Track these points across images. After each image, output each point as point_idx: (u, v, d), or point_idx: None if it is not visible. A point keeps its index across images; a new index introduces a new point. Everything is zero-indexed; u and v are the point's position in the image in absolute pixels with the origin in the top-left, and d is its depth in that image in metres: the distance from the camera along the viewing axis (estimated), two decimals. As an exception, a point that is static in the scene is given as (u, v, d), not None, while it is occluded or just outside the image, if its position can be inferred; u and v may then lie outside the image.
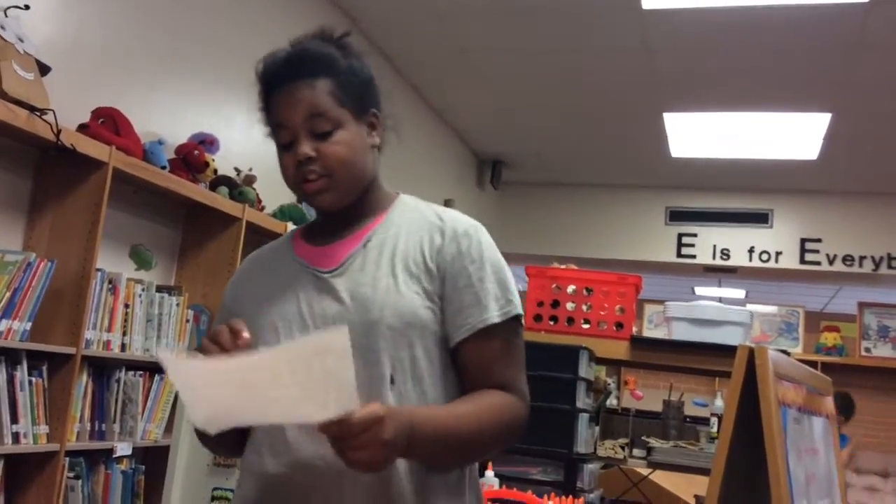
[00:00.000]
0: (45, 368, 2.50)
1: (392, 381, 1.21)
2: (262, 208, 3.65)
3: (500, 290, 1.28)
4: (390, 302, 1.23)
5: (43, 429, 2.47)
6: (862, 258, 6.79)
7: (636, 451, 3.17)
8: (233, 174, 3.50)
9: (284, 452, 1.21)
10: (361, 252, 1.29)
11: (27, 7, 2.48)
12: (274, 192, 3.91)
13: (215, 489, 2.01)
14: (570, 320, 3.21)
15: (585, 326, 3.20)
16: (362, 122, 1.31)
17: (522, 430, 1.28)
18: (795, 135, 5.88)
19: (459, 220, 1.33)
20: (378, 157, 1.37)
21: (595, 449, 3.03)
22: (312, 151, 1.25)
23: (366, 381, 1.16)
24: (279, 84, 1.29)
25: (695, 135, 6.09)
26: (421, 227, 1.31)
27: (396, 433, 1.05)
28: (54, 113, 2.44)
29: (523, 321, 1.32)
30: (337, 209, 1.31)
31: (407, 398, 1.21)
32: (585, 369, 2.84)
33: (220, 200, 3.27)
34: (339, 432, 1.00)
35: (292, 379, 0.97)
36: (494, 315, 1.25)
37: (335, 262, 1.30)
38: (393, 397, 1.20)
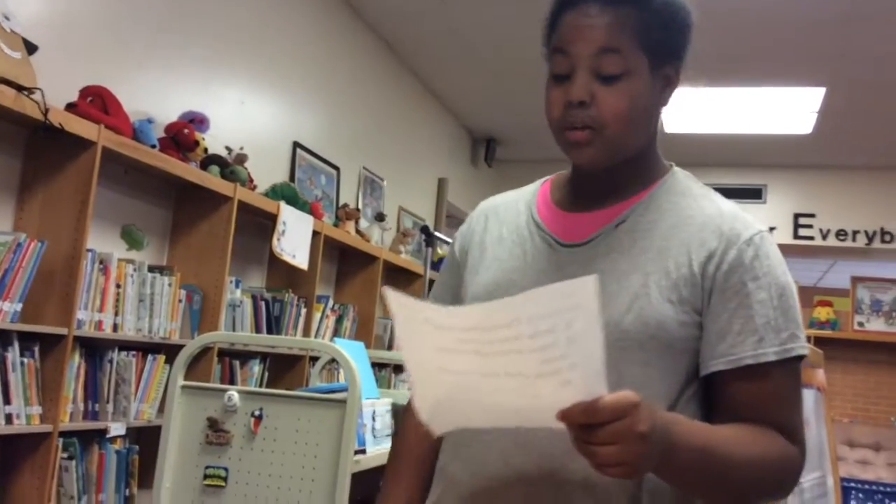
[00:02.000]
0: (36, 349, 2.50)
1: None
2: (254, 187, 3.64)
3: (784, 320, 1.02)
4: (636, 305, 1.01)
5: (36, 410, 2.46)
6: (855, 233, 6.80)
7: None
8: (224, 153, 3.48)
9: (483, 462, 1.04)
10: (611, 233, 1.08)
11: (12, -15, 2.45)
12: (266, 170, 3.90)
13: (208, 467, 2.01)
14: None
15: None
16: (658, 75, 1.08)
17: (795, 483, 1.05)
18: (790, 109, 5.87)
19: (744, 223, 1.07)
20: (660, 119, 1.14)
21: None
22: (587, 96, 1.03)
23: None
24: (577, 2, 1.05)
25: (688, 110, 6.07)
26: (691, 221, 1.07)
27: (654, 429, 0.84)
28: (42, 92, 2.42)
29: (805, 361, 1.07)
30: (597, 168, 1.09)
31: None
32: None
33: (211, 179, 3.25)
34: (586, 418, 0.81)
35: (532, 343, 0.80)
36: (770, 351, 1.01)
37: (578, 236, 1.09)
38: None
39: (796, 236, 6.91)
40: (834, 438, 1.98)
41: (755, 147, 6.63)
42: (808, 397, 1.77)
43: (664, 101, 1.11)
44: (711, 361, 1.02)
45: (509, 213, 1.19)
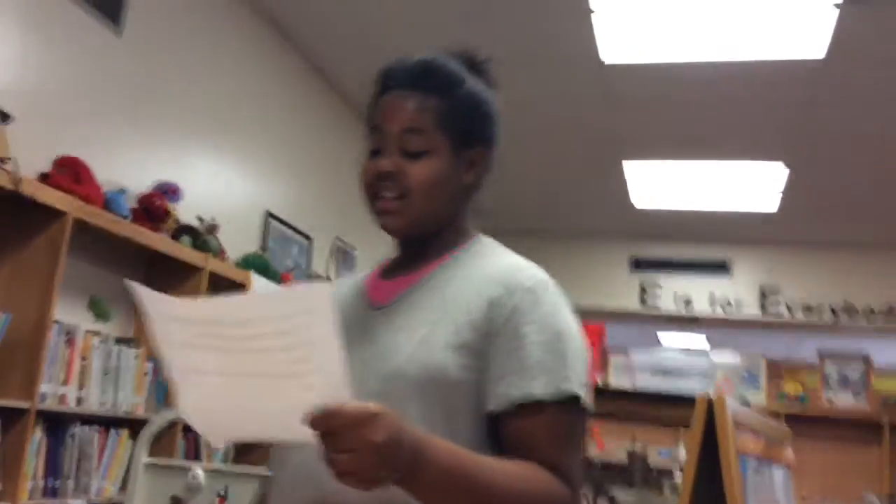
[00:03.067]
0: (-3, 423, 2.44)
1: None
2: (226, 257, 3.63)
3: (557, 362, 1.08)
4: (418, 352, 1.09)
5: (-7, 486, 2.39)
6: (821, 307, 6.90)
7: (600, 502, 3.15)
8: (195, 223, 3.48)
9: (280, 489, 1.12)
10: (414, 292, 1.17)
11: (-11, 57, 2.47)
12: (237, 240, 3.90)
13: (171, 547, 1.96)
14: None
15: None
16: (462, 156, 1.20)
17: None
18: (754, 187, 6.01)
19: (528, 274, 1.15)
20: (470, 196, 1.25)
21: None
22: (394, 167, 1.16)
23: None
24: (391, 88, 1.20)
25: (655, 183, 6.20)
26: (482, 274, 1.16)
27: (393, 442, 0.88)
28: (15, 161, 2.42)
29: (585, 404, 1.09)
30: (402, 236, 1.21)
31: None
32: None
33: (182, 250, 3.24)
34: (326, 423, 0.85)
35: (275, 342, 0.83)
36: (540, 390, 1.06)
37: (388, 298, 1.19)
38: None
39: (763, 310, 6.99)
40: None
41: (721, 223, 6.76)
42: (778, 475, 1.78)
43: (469, 180, 1.22)
44: (489, 401, 1.08)
45: (352, 289, 1.27)
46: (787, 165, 5.51)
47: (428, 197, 1.17)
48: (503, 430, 1.08)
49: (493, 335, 1.09)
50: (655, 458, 4.14)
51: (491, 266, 1.17)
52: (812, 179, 5.72)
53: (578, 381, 1.08)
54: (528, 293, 1.12)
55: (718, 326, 7.79)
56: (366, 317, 1.18)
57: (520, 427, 1.07)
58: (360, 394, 0.99)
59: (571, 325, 1.14)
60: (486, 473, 1.00)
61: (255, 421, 0.92)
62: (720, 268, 7.15)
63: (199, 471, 1.99)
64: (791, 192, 5.94)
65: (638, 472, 3.37)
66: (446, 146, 1.18)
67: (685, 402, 2.26)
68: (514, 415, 1.06)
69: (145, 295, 0.87)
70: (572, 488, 1.06)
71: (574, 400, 1.08)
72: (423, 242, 1.22)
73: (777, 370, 8.08)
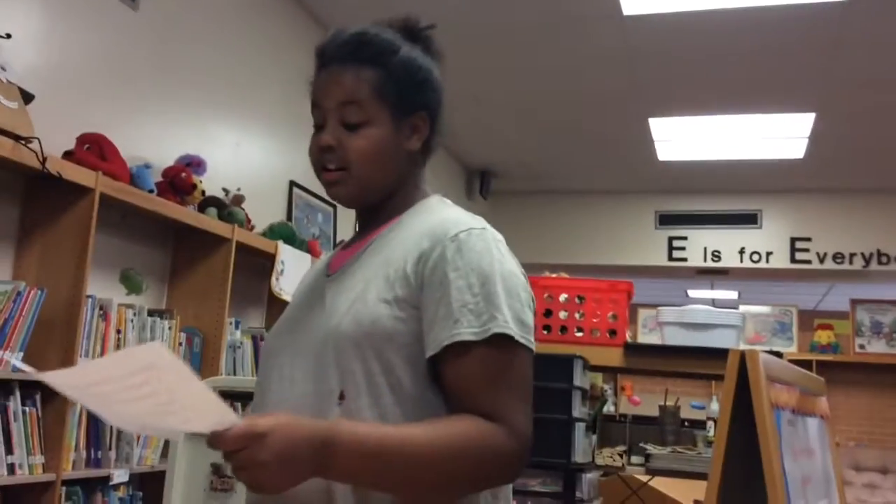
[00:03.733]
0: (38, 398, 2.49)
1: (342, 397, 1.10)
2: (252, 228, 3.65)
3: (484, 303, 1.09)
4: (352, 308, 1.13)
5: (38, 459, 2.45)
6: (852, 255, 6.82)
7: (634, 458, 3.17)
8: (221, 195, 3.50)
9: None
10: (360, 257, 1.21)
11: (8, 36, 2.48)
12: (263, 210, 3.92)
13: (213, 514, 2.00)
14: (563, 329, 3.21)
15: (579, 335, 3.20)
16: (403, 123, 1.22)
17: (510, 469, 1.08)
18: (781, 135, 5.92)
19: (457, 223, 1.17)
20: (419, 160, 1.27)
21: (593, 457, 3.03)
22: (334, 141, 1.20)
23: (312, 396, 1.11)
24: (327, 62, 1.23)
25: (681, 138, 6.12)
26: (417, 230, 1.18)
27: (284, 454, 0.95)
28: (39, 141, 2.44)
29: (522, 341, 1.10)
30: (351, 205, 1.26)
31: (360, 417, 1.08)
32: (580, 378, 2.84)
33: (209, 222, 3.27)
34: (217, 448, 0.95)
35: (133, 393, 0.93)
36: (467, 331, 1.07)
37: (339, 265, 1.24)
38: (342, 415, 1.08)
39: (793, 260, 6.92)
40: (839, 464, 1.97)
41: (749, 173, 6.67)
42: (812, 426, 1.77)
43: (413, 147, 1.24)
44: (426, 349, 1.10)
45: (320, 264, 1.33)
46: (814, 112, 5.41)
47: (369, 166, 1.19)
48: (442, 378, 1.10)
49: (423, 286, 1.12)
50: (688, 410, 4.15)
51: (427, 222, 1.19)
52: (840, 126, 5.62)
53: (509, 320, 1.09)
54: (453, 241, 1.13)
55: (748, 278, 7.75)
56: (320, 284, 1.23)
57: (452, 371, 1.09)
58: (311, 354, 1.15)
59: (502, 267, 1.14)
60: (412, 447, 1.02)
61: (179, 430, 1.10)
62: (749, 219, 7.07)
63: (236, 438, 2.03)
64: (818, 140, 5.84)
65: (670, 427, 3.38)
66: (385, 115, 1.20)
67: (717, 354, 2.25)
68: (447, 360, 1.08)
69: (50, 379, 0.98)
70: (515, 435, 1.06)
71: (505, 339, 1.08)
72: (374, 209, 1.25)
73: (809, 320, 8.04)
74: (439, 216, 1.20)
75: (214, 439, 0.94)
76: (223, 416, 0.95)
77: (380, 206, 1.24)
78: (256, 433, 0.94)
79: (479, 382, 1.08)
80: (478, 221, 1.19)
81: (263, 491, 0.97)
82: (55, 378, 0.97)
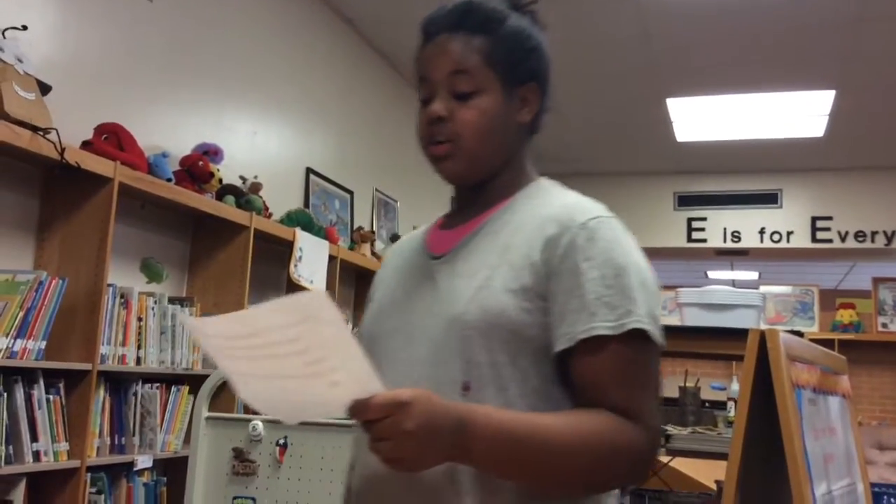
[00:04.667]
0: (61, 386, 2.52)
1: (467, 388, 1.06)
2: (270, 215, 3.66)
3: (619, 296, 1.05)
4: (478, 297, 1.08)
5: (63, 446, 2.48)
6: (874, 233, 6.75)
7: (655, 439, 3.16)
8: (238, 182, 3.51)
9: (358, 464, 1.15)
10: (472, 239, 1.16)
11: (25, 28, 2.50)
12: (280, 197, 3.93)
13: (235, 497, 2.02)
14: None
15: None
16: (513, 94, 1.18)
17: (642, 465, 1.05)
18: (800, 113, 5.85)
19: (584, 210, 1.12)
20: (527, 137, 1.23)
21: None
22: (444, 111, 1.14)
23: (432, 382, 1.03)
24: (434, 34, 1.18)
25: (699, 118, 6.07)
26: (538, 216, 1.13)
27: (426, 427, 0.91)
28: (57, 132, 2.45)
29: (655, 337, 1.07)
30: (460, 182, 1.20)
31: None
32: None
33: (227, 210, 3.28)
34: (359, 416, 0.91)
35: (286, 349, 0.90)
36: (603, 325, 1.03)
37: (447, 247, 1.18)
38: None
39: (814, 240, 6.86)
40: (862, 443, 1.96)
41: (769, 152, 6.61)
42: (834, 405, 1.76)
43: (524, 119, 1.20)
44: (556, 342, 1.06)
45: (411, 243, 1.29)
46: (833, 88, 5.34)
47: (480, 137, 1.14)
48: (572, 372, 1.06)
49: (552, 275, 1.07)
50: (709, 391, 4.14)
51: (547, 206, 1.15)
52: (861, 103, 5.54)
53: (643, 315, 1.05)
54: (583, 229, 1.09)
55: (768, 258, 7.69)
56: (427, 266, 1.18)
57: (585, 365, 1.05)
58: (427, 340, 1.09)
59: (633, 259, 1.10)
60: (544, 435, 0.99)
61: (307, 409, 1.01)
62: (770, 199, 7.01)
63: (258, 422, 2.05)
64: (839, 117, 5.77)
65: (690, 407, 3.36)
66: (496, 84, 1.15)
67: (737, 335, 2.24)
68: (579, 353, 1.04)
69: (192, 324, 1.01)
70: (646, 431, 1.03)
71: (639, 334, 1.05)
72: (480, 188, 1.20)
73: (830, 299, 7.97)
74: (561, 200, 1.16)
75: (357, 407, 0.90)
76: (369, 383, 0.91)
77: (486, 184, 1.19)
78: (401, 401, 0.90)
79: (613, 377, 1.04)
80: (603, 208, 1.15)
81: (402, 465, 0.93)
82: (204, 327, 0.96)
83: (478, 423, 0.96)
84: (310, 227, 3.87)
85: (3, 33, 2.44)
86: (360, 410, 0.90)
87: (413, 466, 0.93)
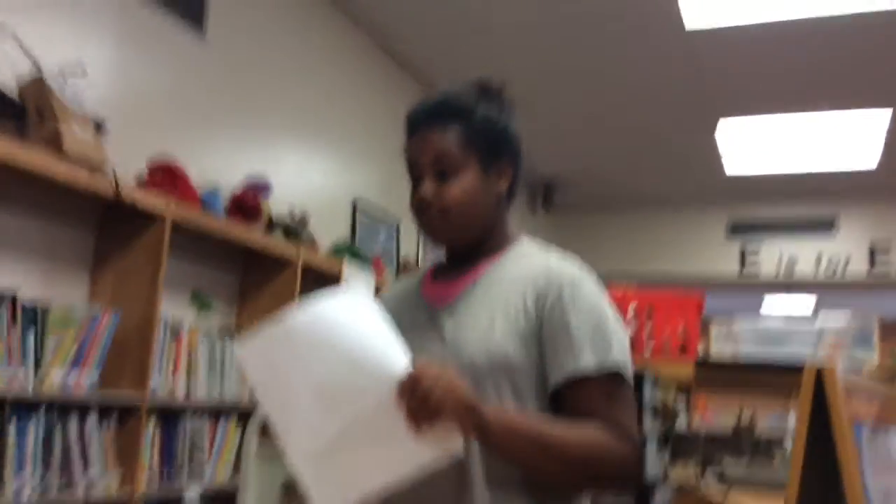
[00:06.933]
0: (114, 417, 2.55)
1: None
2: (317, 248, 3.69)
3: (599, 339, 1.27)
4: (485, 343, 1.28)
5: (114, 477, 2.51)
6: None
7: (709, 473, 3.08)
8: (285, 214, 3.55)
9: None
10: (471, 292, 1.35)
11: (85, 73, 2.56)
12: (326, 229, 3.97)
13: (282, 532, 2.02)
14: (632, 343, 3.16)
15: (649, 348, 3.14)
16: (490, 170, 1.37)
17: (631, 465, 1.24)
18: (856, 138, 5.71)
19: (566, 268, 1.35)
20: (506, 203, 1.43)
21: (666, 473, 2.96)
22: (431, 194, 1.34)
23: None
24: (415, 129, 1.38)
25: (751, 146, 5.97)
26: (528, 273, 1.35)
27: (469, 389, 1.13)
28: (114, 171, 2.51)
29: (628, 376, 1.29)
30: (451, 245, 1.40)
31: None
32: (651, 394, 2.78)
33: (276, 244, 3.32)
34: (411, 384, 1.08)
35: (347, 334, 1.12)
36: (590, 364, 1.25)
37: (448, 300, 1.36)
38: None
39: (872, 268, 6.65)
40: None
41: (823, 179, 6.46)
42: (895, 439, 1.69)
43: (501, 190, 1.41)
44: (551, 378, 1.28)
45: (404, 291, 1.47)
46: (891, 107, 5.20)
47: (464, 209, 1.34)
48: (564, 404, 1.27)
49: (543, 321, 1.29)
50: (765, 427, 4.03)
51: (534, 264, 1.36)
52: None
53: (619, 356, 1.27)
54: (568, 285, 1.31)
55: (825, 287, 7.48)
56: (429, 316, 1.37)
57: (577, 397, 1.26)
58: None
59: (609, 311, 1.32)
60: (556, 429, 1.21)
61: (364, 459, 1.12)
62: (825, 226, 6.83)
63: (304, 457, 2.04)
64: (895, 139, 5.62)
65: (746, 444, 3.28)
66: (474, 163, 1.35)
67: (791, 370, 2.18)
68: (570, 388, 1.26)
69: (245, 350, 1.19)
70: (633, 442, 1.25)
71: (617, 373, 1.27)
72: (469, 247, 1.40)
73: (891, 330, 7.71)
74: (544, 259, 1.38)
75: (416, 374, 1.09)
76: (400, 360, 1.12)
77: (474, 244, 1.39)
78: (438, 365, 1.13)
79: (602, 402, 1.26)
80: (579, 266, 1.37)
81: (459, 405, 1.11)
82: (249, 353, 1.17)
83: (500, 411, 1.20)
84: (356, 258, 3.89)
85: (64, 76, 2.52)
86: (411, 381, 1.09)
87: (464, 404, 1.11)
